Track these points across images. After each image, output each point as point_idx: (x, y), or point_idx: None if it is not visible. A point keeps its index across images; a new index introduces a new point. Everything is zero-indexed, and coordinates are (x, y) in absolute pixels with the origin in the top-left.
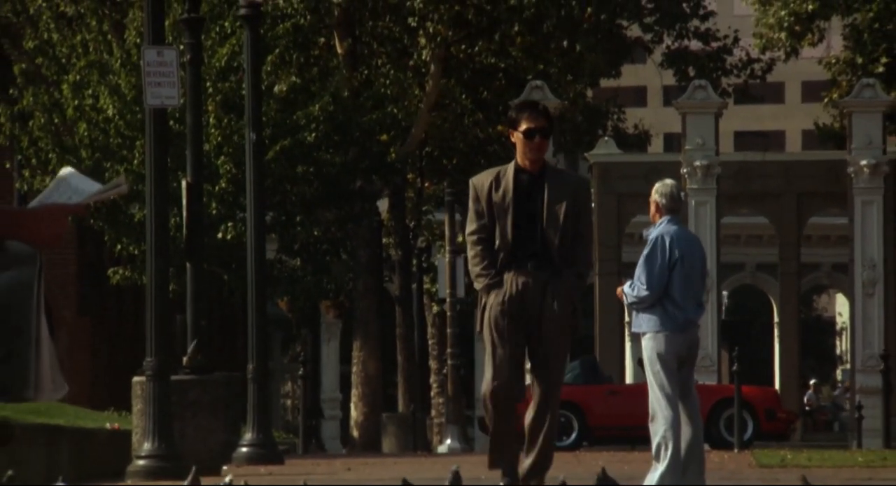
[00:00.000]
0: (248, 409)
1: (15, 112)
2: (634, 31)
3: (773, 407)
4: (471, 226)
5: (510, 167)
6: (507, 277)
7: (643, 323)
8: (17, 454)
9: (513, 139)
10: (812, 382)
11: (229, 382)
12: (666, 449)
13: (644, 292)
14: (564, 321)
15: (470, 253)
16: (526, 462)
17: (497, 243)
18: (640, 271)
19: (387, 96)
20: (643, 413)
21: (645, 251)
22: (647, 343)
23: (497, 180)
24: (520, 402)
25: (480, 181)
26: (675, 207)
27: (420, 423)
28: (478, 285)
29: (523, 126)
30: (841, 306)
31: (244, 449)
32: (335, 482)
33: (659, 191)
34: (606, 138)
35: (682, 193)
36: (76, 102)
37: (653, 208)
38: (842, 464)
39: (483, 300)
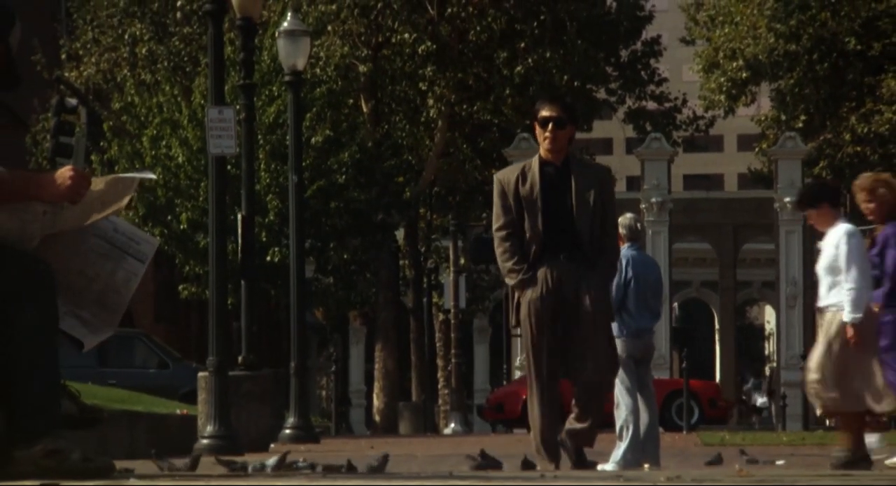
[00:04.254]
0: (290, 399)
1: (104, 160)
2: (602, 94)
3: (714, 397)
4: (498, 221)
5: (534, 160)
6: (541, 271)
7: None
8: (104, 435)
9: (536, 133)
10: (750, 379)
11: (275, 377)
12: (627, 431)
13: None
14: (602, 311)
15: (498, 249)
16: (574, 426)
17: (527, 236)
18: None
19: (403, 146)
20: (608, 402)
21: None
22: None
23: (523, 174)
24: (558, 398)
25: (506, 176)
26: (634, 236)
27: (429, 410)
28: (510, 281)
29: (539, 115)
30: (769, 316)
31: (287, 431)
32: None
33: (622, 223)
34: None
35: (640, 225)
36: (153, 152)
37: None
38: (770, 443)
39: (517, 296)
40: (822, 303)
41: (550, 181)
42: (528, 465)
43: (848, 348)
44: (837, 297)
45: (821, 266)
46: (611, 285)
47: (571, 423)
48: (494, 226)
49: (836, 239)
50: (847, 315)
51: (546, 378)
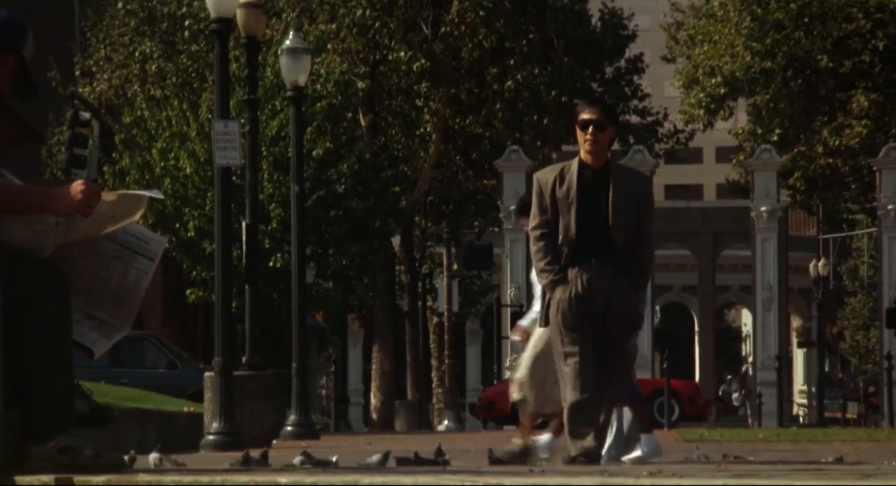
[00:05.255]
0: (291, 397)
1: (116, 171)
2: None
3: (693, 396)
4: (534, 221)
5: (574, 163)
6: (572, 273)
7: None
8: (115, 431)
9: (577, 136)
10: (728, 377)
11: (278, 376)
12: (612, 427)
13: None
14: (630, 317)
15: (533, 248)
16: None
17: (560, 238)
18: None
19: (399, 158)
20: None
21: None
22: None
23: (561, 176)
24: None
25: (545, 176)
26: None
27: (424, 408)
28: (542, 281)
29: (579, 118)
30: (745, 319)
31: (289, 428)
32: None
33: None
34: None
35: None
36: (162, 164)
37: None
38: (746, 439)
39: (548, 296)
40: (535, 311)
41: (588, 185)
42: (495, 461)
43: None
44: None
45: (534, 275)
46: (641, 292)
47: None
48: (531, 225)
49: None
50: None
51: (581, 379)
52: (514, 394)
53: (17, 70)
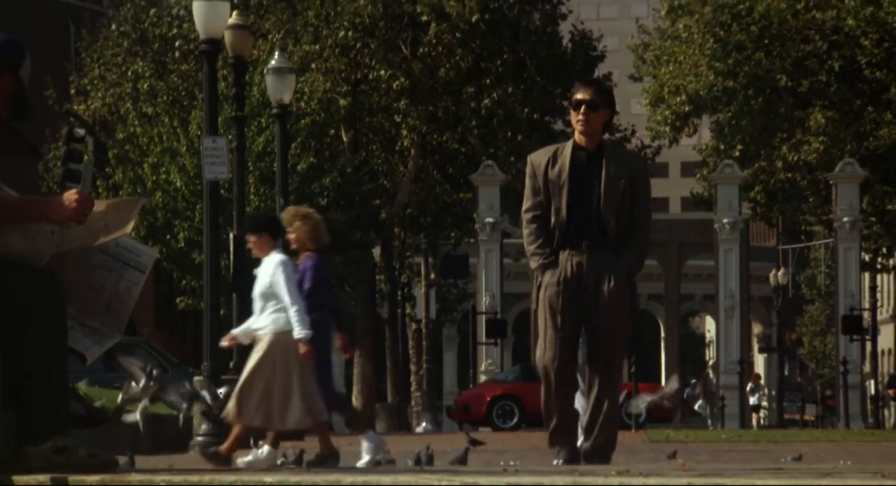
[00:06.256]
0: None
1: (109, 185)
2: (559, 125)
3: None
4: (526, 203)
5: (568, 145)
6: (563, 256)
7: None
8: (108, 433)
9: (571, 117)
10: (693, 381)
11: None
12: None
13: None
14: (621, 301)
15: (525, 231)
16: (588, 445)
17: (553, 221)
18: None
19: (379, 172)
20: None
21: None
22: None
23: (554, 157)
24: (574, 386)
25: (538, 158)
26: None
27: (403, 410)
28: (532, 264)
29: (572, 98)
30: (709, 325)
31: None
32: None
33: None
34: None
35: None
36: (154, 178)
37: None
38: (710, 440)
39: (538, 279)
40: (254, 325)
41: (580, 167)
42: (419, 461)
43: (275, 368)
44: (267, 320)
45: (256, 292)
46: (634, 275)
47: (583, 442)
48: (523, 208)
49: (271, 268)
50: (298, 333)
51: (560, 364)
52: (286, 424)
53: (14, 90)
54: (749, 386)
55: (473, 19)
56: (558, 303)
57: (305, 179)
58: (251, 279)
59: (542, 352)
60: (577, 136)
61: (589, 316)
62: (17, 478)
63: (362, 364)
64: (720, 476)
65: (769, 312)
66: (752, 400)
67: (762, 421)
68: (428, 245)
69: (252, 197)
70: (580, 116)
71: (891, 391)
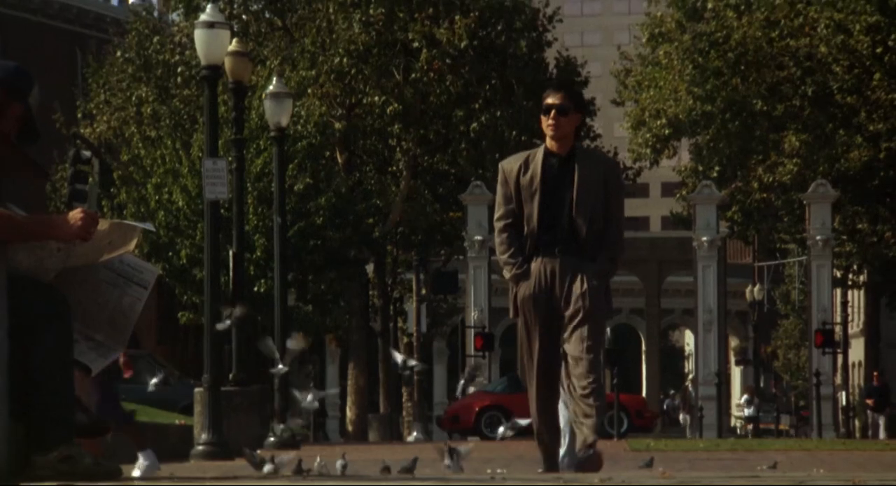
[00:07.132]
0: (274, 410)
1: (114, 204)
2: None
3: (641, 409)
4: (498, 211)
5: (539, 151)
6: (536, 264)
7: None
8: (112, 442)
9: (541, 122)
10: (672, 392)
11: (262, 391)
12: (565, 437)
13: None
14: (594, 298)
15: (497, 239)
16: (585, 405)
17: (526, 228)
18: None
19: (372, 192)
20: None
21: None
22: None
23: (526, 164)
24: (556, 393)
25: (509, 165)
26: None
27: (395, 420)
28: (506, 274)
29: (543, 103)
30: (688, 339)
31: (271, 439)
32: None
33: None
34: None
35: None
36: (157, 197)
37: None
38: (689, 448)
39: (513, 289)
40: None
41: (552, 172)
42: (386, 469)
43: None
44: None
45: None
46: (609, 277)
47: (580, 447)
48: (495, 216)
49: None
50: None
51: (542, 375)
52: None
53: (23, 116)
54: (744, 398)
55: (463, 46)
56: (533, 313)
57: (302, 199)
58: (249, 295)
59: (524, 362)
60: (548, 141)
61: (564, 319)
62: (25, 485)
63: (356, 376)
64: (698, 484)
65: (745, 326)
66: (749, 412)
67: (739, 431)
68: (419, 262)
69: (251, 216)
70: (550, 121)
71: (869, 401)
